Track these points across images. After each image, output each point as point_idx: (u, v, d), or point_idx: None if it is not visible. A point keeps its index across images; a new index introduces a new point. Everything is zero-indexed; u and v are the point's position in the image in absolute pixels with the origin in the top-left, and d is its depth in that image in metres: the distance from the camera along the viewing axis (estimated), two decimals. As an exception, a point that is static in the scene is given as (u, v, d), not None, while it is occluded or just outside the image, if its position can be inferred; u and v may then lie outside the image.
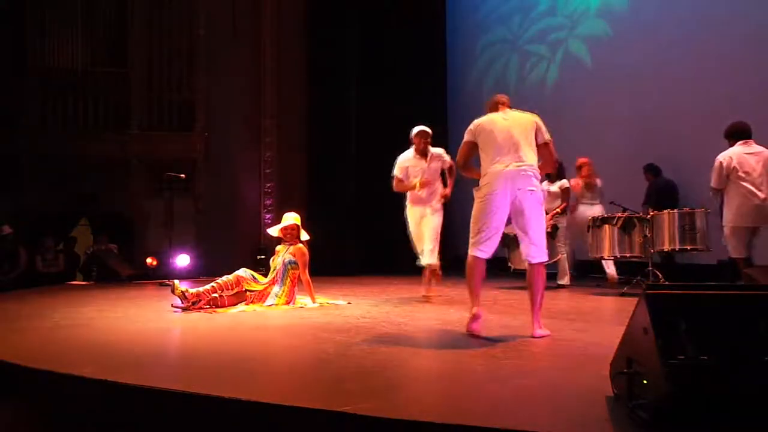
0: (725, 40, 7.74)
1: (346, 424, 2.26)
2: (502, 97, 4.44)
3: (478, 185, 4.15)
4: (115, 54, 11.34)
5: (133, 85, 11.22)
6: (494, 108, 4.36)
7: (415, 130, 6.40)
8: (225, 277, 5.72)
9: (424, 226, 6.27)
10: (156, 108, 11.32)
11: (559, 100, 10.04)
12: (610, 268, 7.62)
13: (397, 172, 6.38)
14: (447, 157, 6.33)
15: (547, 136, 4.27)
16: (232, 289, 5.65)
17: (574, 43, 10.03)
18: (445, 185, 6.40)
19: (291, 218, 6.13)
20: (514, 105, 4.44)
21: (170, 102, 11.34)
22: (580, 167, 7.86)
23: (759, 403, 2.00)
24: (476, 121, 4.30)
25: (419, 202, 6.31)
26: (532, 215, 4.03)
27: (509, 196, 4.01)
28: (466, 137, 4.28)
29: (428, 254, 6.18)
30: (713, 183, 5.77)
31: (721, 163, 5.67)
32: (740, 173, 5.56)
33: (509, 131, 4.15)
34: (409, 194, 6.38)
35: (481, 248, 4.08)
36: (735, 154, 5.64)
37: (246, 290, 5.72)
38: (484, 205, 4.06)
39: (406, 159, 6.38)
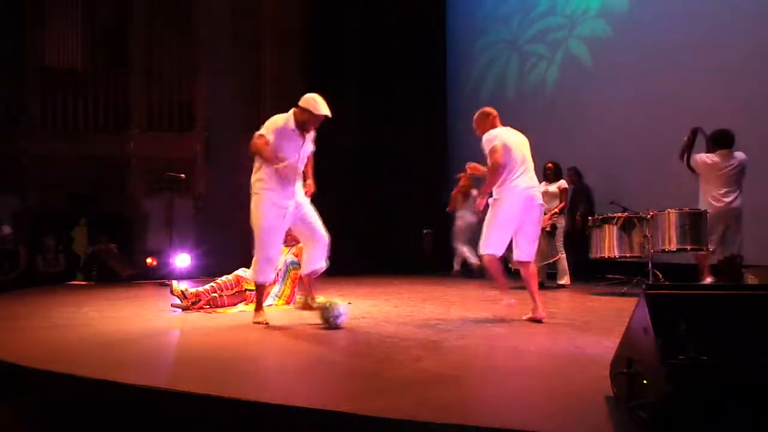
0: (725, 39, 7.74)
1: (346, 424, 2.26)
2: (495, 112, 4.89)
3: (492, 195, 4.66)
4: (115, 54, 11.35)
5: (133, 85, 11.22)
6: (494, 122, 4.81)
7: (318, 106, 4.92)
8: (225, 277, 5.72)
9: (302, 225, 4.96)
10: (156, 108, 11.32)
11: (559, 100, 10.04)
12: (470, 257, 8.79)
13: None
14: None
15: None
16: (232, 289, 5.65)
17: (574, 43, 10.03)
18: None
19: None
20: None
21: (170, 102, 11.35)
22: (458, 180, 9.00)
23: (759, 403, 2.00)
24: (496, 133, 4.69)
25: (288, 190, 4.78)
26: (538, 223, 4.74)
27: (524, 212, 4.60)
28: (498, 141, 4.59)
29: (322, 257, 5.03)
30: (693, 163, 6.32)
31: (704, 161, 6.23)
32: (713, 176, 6.17)
33: (522, 151, 4.68)
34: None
35: (498, 248, 4.68)
36: (714, 161, 6.17)
37: (246, 290, 5.72)
38: (503, 214, 4.60)
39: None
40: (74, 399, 2.98)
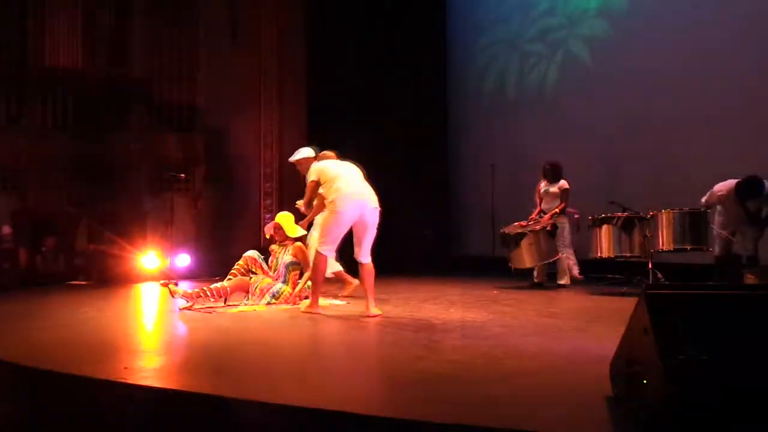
0: (726, 39, 7.74)
1: (346, 424, 2.26)
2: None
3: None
4: (115, 54, 11.34)
5: (133, 85, 11.22)
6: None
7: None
8: (236, 264, 5.84)
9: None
10: (156, 108, 11.31)
11: (559, 100, 10.03)
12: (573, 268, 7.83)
13: None
14: None
15: None
16: (246, 274, 5.76)
17: (574, 43, 10.03)
18: None
19: (277, 217, 6.19)
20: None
21: (170, 102, 11.34)
22: None
23: (759, 403, 2.00)
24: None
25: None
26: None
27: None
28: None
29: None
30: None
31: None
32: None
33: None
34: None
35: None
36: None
37: (251, 273, 5.77)
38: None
39: None
40: (74, 399, 2.98)
